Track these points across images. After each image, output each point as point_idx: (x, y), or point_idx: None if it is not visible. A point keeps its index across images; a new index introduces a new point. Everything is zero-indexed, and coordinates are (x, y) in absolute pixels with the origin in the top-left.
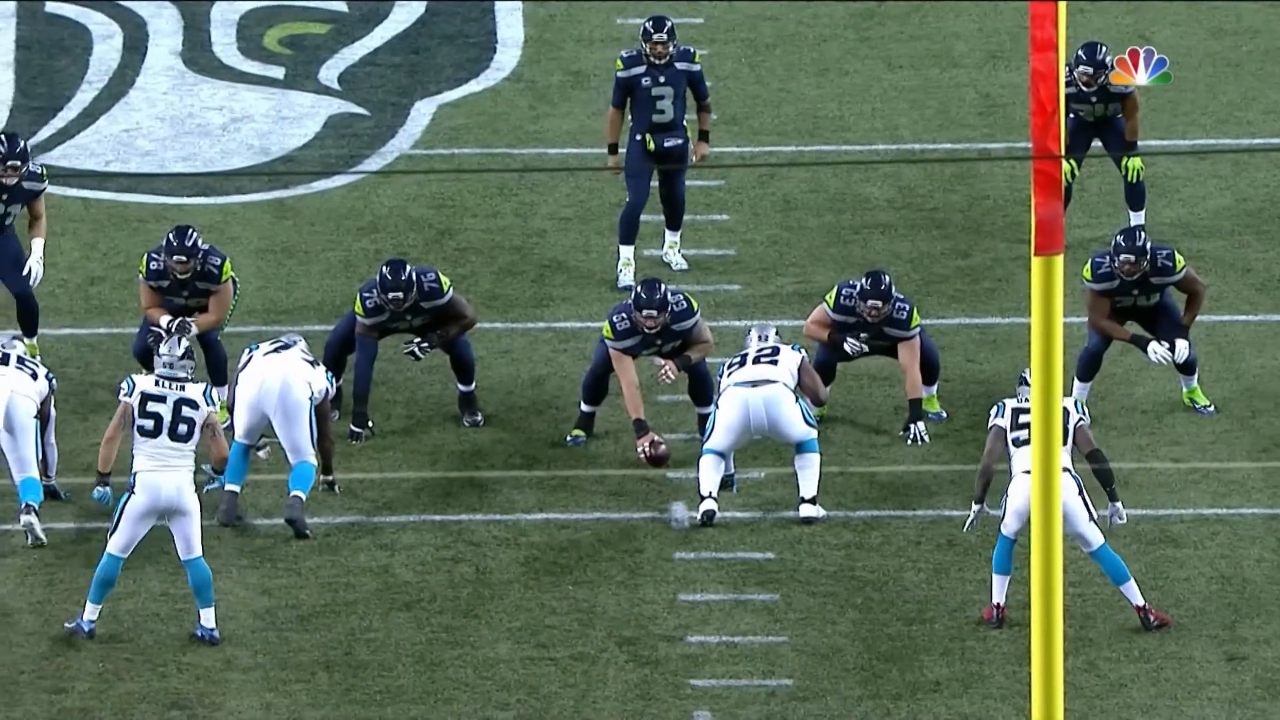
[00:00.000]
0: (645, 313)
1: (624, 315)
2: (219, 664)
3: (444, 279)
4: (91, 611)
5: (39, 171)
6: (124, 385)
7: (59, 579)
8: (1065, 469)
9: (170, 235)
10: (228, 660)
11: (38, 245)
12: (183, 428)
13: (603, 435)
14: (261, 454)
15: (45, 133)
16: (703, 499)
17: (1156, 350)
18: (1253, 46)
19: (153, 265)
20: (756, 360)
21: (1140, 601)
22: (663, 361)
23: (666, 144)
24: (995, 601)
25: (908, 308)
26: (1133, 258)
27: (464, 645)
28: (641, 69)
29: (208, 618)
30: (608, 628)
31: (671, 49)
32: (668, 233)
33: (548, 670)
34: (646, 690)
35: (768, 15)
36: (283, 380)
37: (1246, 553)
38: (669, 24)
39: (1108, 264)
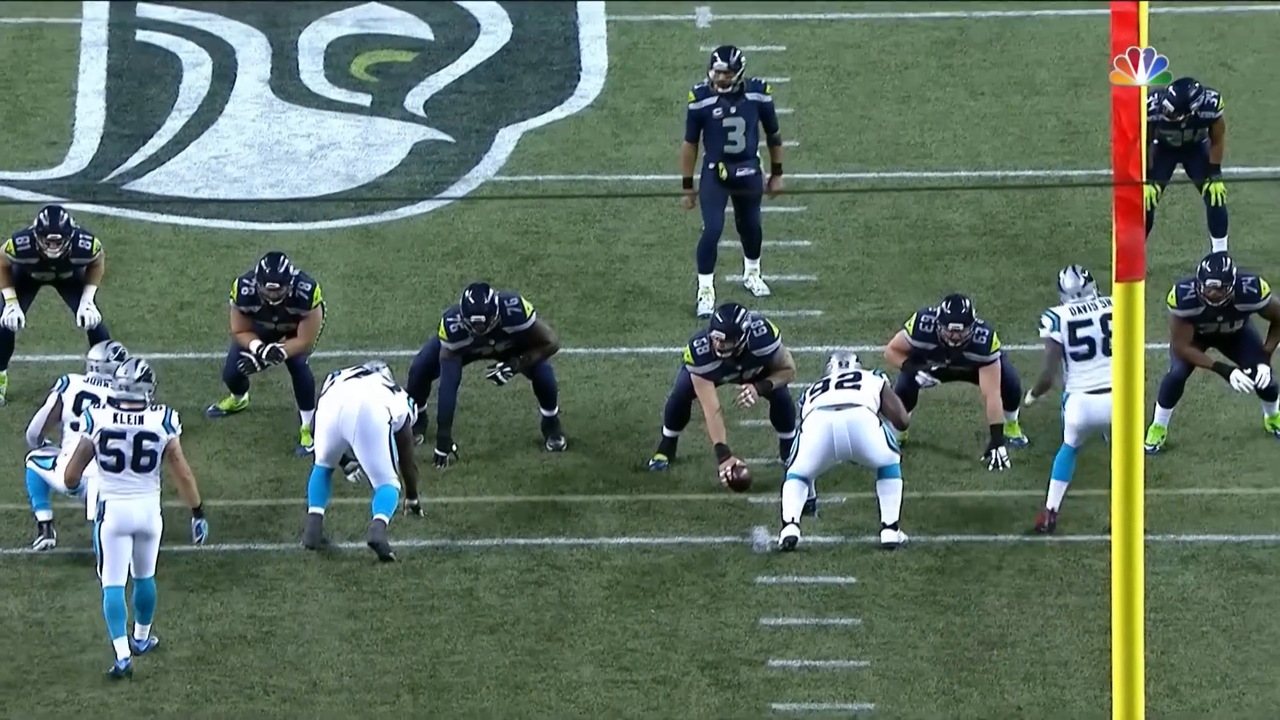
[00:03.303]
0: (715, 334)
1: (704, 340)
2: (305, 686)
3: (526, 304)
4: (122, 648)
5: (88, 247)
6: (70, 401)
7: None
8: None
9: (262, 262)
10: (314, 683)
11: (88, 292)
12: (145, 460)
13: (685, 460)
14: (351, 478)
15: (135, 159)
16: (785, 524)
17: (1239, 379)
18: None
19: (244, 290)
20: (839, 385)
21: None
22: (744, 385)
23: (739, 173)
24: (1049, 506)
25: (988, 332)
26: (1219, 283)
27: (547, 668)
28: (713, 100)
29: (142, 631)
30: (690, 651)
31: (738, 79)
32: (747, 260)
33: (630, 694)
34: (728, 714)
35: (850, 43)
36: (361, 405)
37: None
38: (735, 54)
39: (1193, 290)
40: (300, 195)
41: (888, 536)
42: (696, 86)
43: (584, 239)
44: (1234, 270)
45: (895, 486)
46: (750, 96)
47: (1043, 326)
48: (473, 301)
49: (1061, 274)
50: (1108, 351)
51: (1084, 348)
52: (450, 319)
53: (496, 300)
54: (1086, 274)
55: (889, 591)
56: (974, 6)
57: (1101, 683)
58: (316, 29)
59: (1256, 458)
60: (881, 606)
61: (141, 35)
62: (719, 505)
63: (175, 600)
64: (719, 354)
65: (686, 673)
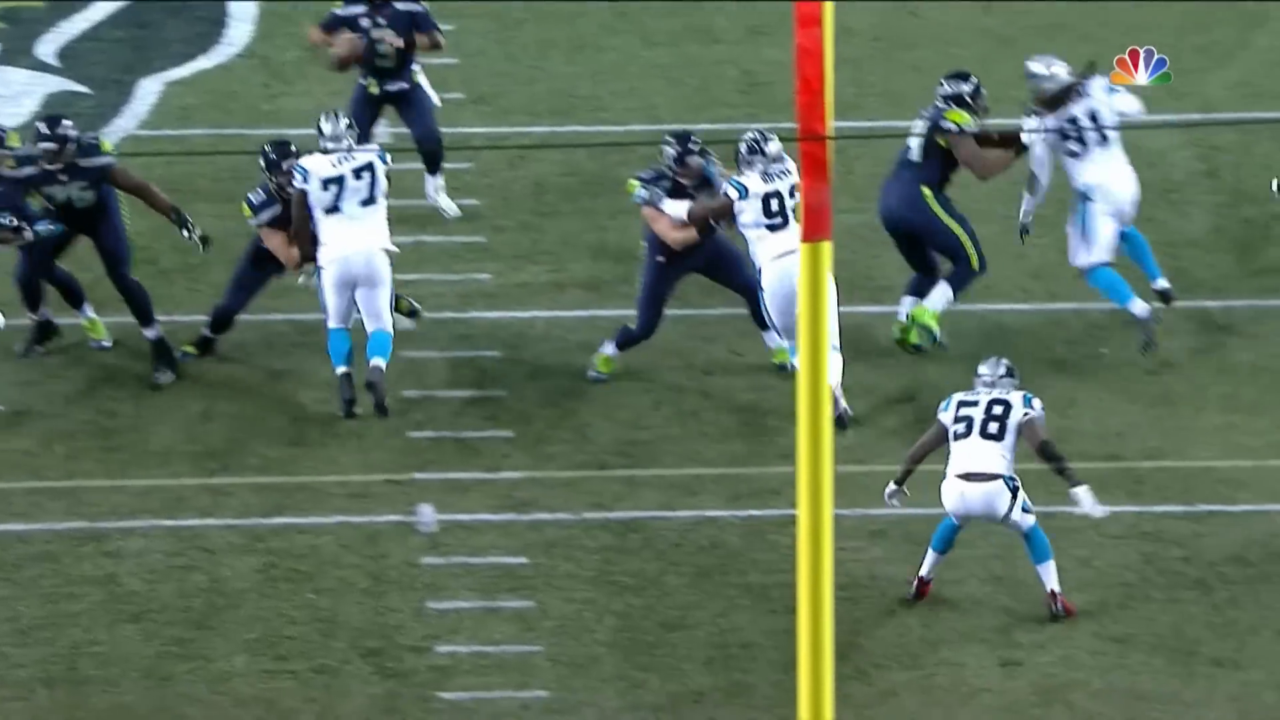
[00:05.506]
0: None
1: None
2: None
3: (106, 143)
4: None
5: None
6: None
7: None
8: (998, 475)
9: (40, 123)
10: None
11: None
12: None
13: (344, 436)
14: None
15: None
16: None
17: None
18: (1025, 23)
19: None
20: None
21: (1054, 587)
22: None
23: (390, 88)
24: (921, 573)
25: (710, 153)
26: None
27: (196, 658)
28: (361, 9)
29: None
30: (351, 638)
31: None
32: (427, 177)
33: (286, 684)
34: (392, 704)
35: None
36: (367, 250)
37: (1021, 554)
38: None
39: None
40: None
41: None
42: None
43: (236, 198)
44: None
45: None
46: (400, 6)
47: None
48: (46, 131)
49: (983, 364)
50: (984, 434)
51: (962, 426)
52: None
53: (69, 132)
54: (1006, 367)
55: (563, 571)
56: None
57: (786, 665)
58: None
59: None
60: (555, 588)
61: None
62: (381, 484)
63: None
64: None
65: (347, 661)
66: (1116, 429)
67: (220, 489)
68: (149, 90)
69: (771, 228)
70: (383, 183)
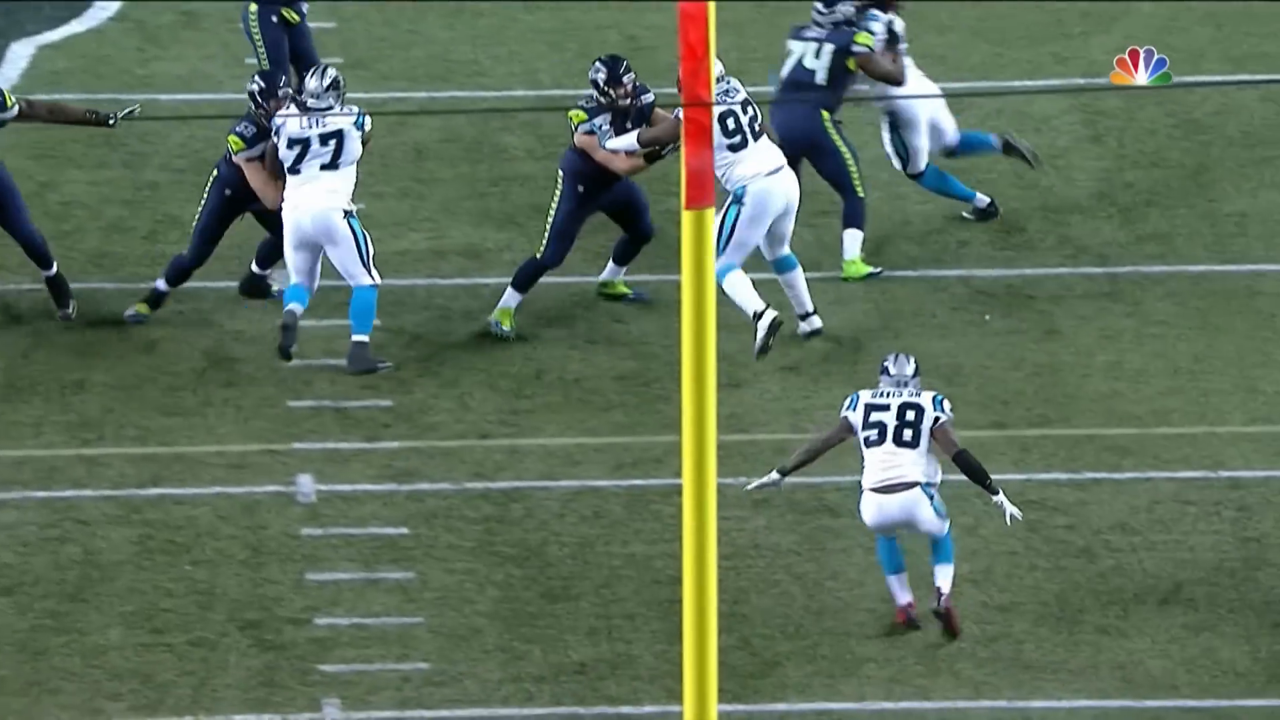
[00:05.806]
0: None
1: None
2: None
3: (9, 95)
4: None
5: None
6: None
7: None
8: (915, 483)
9: None
10: None
11: None
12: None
13: (221, 405)
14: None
15: None
16: (759, 315)
17: None
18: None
19: None
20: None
21: (945, 588)
22: None
23: (302, 7)
24: (900, 602)
25: (646, 88)
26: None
27: (71, 632)
28: None
29: None
30: (228, 610)
31: None
32: None
33: (163, 657)
34: (271, 677)
35: None
36: (318, 209)
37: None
38: None
39: None
40: None
41: (813, 324)
42: None
43: (108, 164)
44: None
45: (799, 276)
46: None
47: (842, 404)
48: None
49: (888, 358)
50: (898, 441)
51: (874, 433)
52: None
53: None
54: (915, 365)
55: (444, 542)
56: None
57: (670, 636)
58: None
59: (831, 395)
60: (436, 559)
61: None
62: (260, 453)
63: None
64: None
65: (225, 634)
66: (1002, 397)
67: (95, 459)
68: (19, 55)
69: (733, 147)
70: (353, 150)
